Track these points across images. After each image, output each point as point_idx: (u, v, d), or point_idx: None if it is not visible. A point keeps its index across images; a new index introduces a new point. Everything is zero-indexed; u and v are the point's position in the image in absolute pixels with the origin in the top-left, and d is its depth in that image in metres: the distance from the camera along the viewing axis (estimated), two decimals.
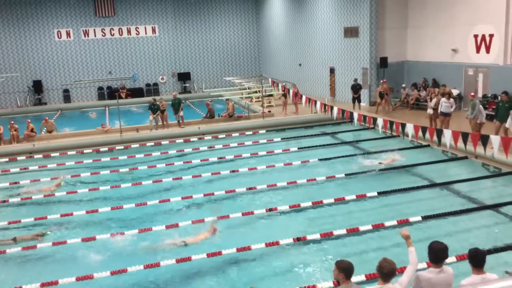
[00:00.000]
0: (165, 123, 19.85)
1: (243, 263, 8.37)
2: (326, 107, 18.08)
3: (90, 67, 31.04)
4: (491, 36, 17.89)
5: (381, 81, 21.24)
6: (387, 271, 4.73)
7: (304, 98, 19.57)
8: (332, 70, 25.22)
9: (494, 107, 16.23)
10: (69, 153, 16.86)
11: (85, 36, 30.59)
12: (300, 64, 28.28)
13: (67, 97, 30.62)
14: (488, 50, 18.13)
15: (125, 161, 15.54)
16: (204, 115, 21.54)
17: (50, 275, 8.08)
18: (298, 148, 15.95)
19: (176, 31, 32.12)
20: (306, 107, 20.12)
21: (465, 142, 12.33)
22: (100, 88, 31.20)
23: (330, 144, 16.48)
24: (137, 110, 26.63)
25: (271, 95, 25.19)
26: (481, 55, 18.49)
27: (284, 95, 21.40)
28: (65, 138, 18.71)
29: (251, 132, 18.70)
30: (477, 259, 4.84)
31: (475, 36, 18.62)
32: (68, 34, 30.28)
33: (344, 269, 4.80)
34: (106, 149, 17.16)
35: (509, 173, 12.14)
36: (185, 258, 8.25)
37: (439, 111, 15.81)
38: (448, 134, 12.79)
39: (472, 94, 15.88)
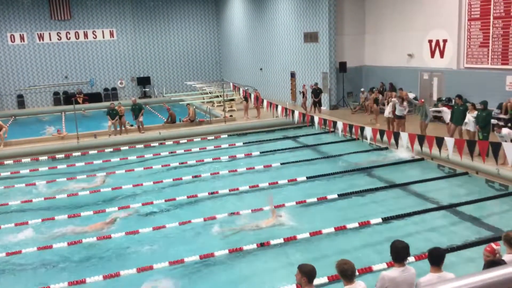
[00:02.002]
0: (123, 128, 19.43)
1: (205, 269, 8.26)
2: (288, 111, 18.19)
3: (45, 72, 30.10)
4: (444, 41, 18.52)
5: (311, 84, 22.09)
6: (351, 272, 4.75)
7: (265, 102, 19.63)
8: (292, 75, 25.44)
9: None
10: (23, 160, 16.25)
11: (40, 40, 29.65)
12: (261, 69, 28.40)
13: (21, 103, 29.56)
14: (442, 55, 18.75)
15: (82, 168, 15.11)
16: (165, 120, 21.26)
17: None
18: (260, 152, 15.97)
19: (135, 35, 31.61)
20: (268, 111, 20.18)
21: (421, 144, 12.67)
22: (56, 93, 30.30)
23: (292, 148, 16.59)
24: (85, 113, 25.83)
25: (232, 100, 25.16)
26: (435, 59, 19.11)
27: (246, 100, 21.42)
28: (19, 145, 18.00)
29: (213, 137, 18.59)
30: (435, 257, 4.96)
31: (430, 41, 19.23)
32: (22, 38, 29.27)
33: (306, 273, 4.80)
34: (63, 156, 16.65)
35: (463, 173, 12.57)
36: (146, 267, 8.07)
37: (398, 114, 16.18)
38: (405, 136, 13.11)
39: (422, 100, 16.45)
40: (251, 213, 10.39)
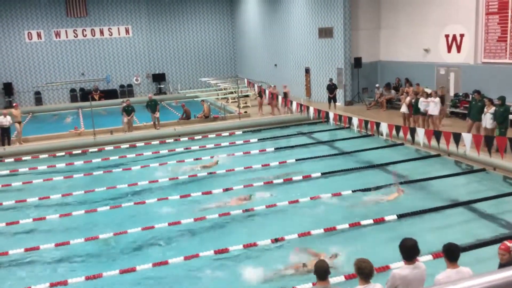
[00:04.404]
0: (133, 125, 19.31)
1: (222, 265, 8.29)
2: (302, 107, 18.15)
3: (62, 69, 30.45)
4: (461, 35, 18.25)
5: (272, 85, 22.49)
6: (368, 271, 4.72)
7: (280, 98, 19.61)
8: (307, 70, 25.34)
9: (465, 105, 16.55)
10: (41, 156, 16.47)
11: (56, 37, 30.00)
12: (275, 65, 28.33)
13: (38, 100, 29.97)
14: (459, 49, 18.48)
15: (98, 164, 15.27)
16: (180, 116, 21.37)
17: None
18: (275, 149, 15.95)
19: (150, 32, 31.78)
20: (282, 107, 20.16)
21: (438, 140, 12.54)
22: (73, 90, 30.65)
23: (307, 144, 16.54)
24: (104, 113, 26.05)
25: (247, 96, 25.16)
26: (452, 54, 18.84)
27: (260, 96, 21.40)
28: (36, 141, 18.27)
29: (227, 133, 18.63)
30: (451, 252, 4.93)
31: (446, 36, 18.97)
32: (39, 35, 29.64)
33: (314, 270, 4.81)
34: (79, 152, 16.83)
35: (481, 170, 12.39)
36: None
37: (421, 110, 15.92)
38: (421, 132, 12.99)
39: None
40: (266, 209, 10.39)
